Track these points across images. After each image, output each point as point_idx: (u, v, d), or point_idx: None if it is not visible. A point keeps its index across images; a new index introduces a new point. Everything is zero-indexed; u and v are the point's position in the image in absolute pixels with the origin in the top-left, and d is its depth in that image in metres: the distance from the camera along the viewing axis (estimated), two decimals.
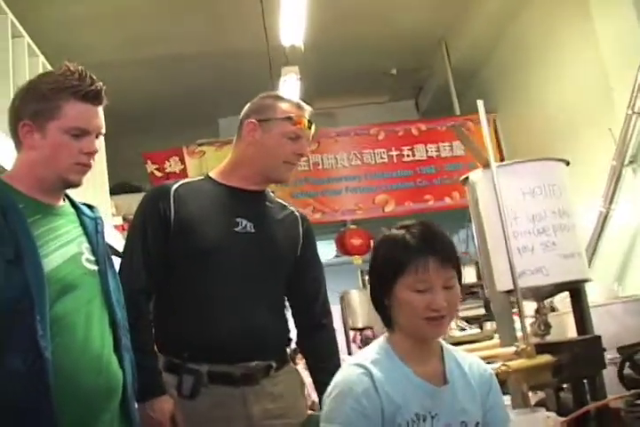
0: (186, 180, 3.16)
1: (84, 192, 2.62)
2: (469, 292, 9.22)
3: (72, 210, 2.59)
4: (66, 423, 2.22)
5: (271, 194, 3.27)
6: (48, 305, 2.24)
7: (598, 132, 6.67)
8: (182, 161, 9.30)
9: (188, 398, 2.87)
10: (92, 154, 2.49)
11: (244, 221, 3.05)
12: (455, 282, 2.33)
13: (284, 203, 3.32)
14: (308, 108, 3.17)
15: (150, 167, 9.09)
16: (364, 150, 9.53)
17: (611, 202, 6.58)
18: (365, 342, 10.46)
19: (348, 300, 10.04)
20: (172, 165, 9.25)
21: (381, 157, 9.50)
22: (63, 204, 2.57)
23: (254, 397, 2.96)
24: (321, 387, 3.01)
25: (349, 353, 10.02)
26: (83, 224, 2.56)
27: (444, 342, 2.51)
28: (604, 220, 6.71)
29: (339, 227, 10.37)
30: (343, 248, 10.30)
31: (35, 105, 2.43)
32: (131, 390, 2.54)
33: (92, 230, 2.57)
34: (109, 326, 2.51)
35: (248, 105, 3.24)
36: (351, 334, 10.79)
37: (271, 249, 3.10)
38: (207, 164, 9.23)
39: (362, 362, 2.34)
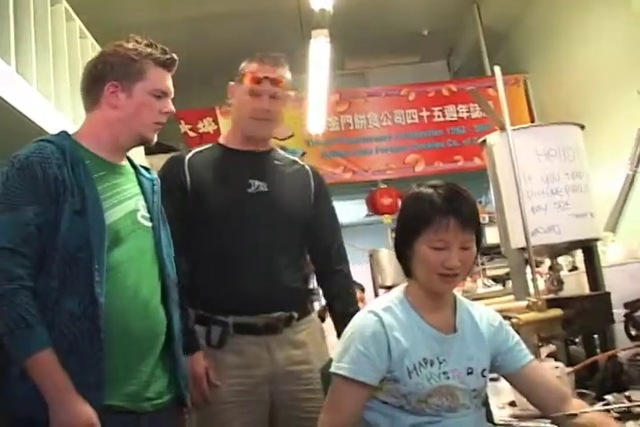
0: (198, 148, 3.31)
1: None
2: (496, 252, 9.30)
3: (132, 170, 2.75)
4: (113, 364, 2.37)
5: (280, 151, 3.41)
6: (105, 255, 2.41)
7: (627, 95, 6.71)
8: (215, 121, 9.35)
9: (215, 347, 3.05)
10: (168, 114, 2.70)
11: (257, 182, 3.19)
12: (472, 244, 2.45)
13: (294, 158, 3.44)
14: (270, 65, 3.26)
15: (184, 127, 9.16)
16: (395, 111, 9.61)
17: (637, 165, 6.61)
18: None
19: (377, 258, 10.03)
20: (206, 126, 9.33)
21: (412, 118, 9.58)
22: (125, 163, 2.74)
23: (277, 344, 3.13)
24: (341, 330, 3.23)
25: None
26: (140, 183, 2.72)
27: (457, 294, 2.67)
28: (630, 182, 6.75)
29: (369, 186, 10.43)
30: (374, 207, 10.39)
31: (122, 67, 2.62)
32: (178, 337, 2.69)
33: (148, 189, 2.74)
34: (159, 279, 2.66)
35: None
36: (380, 291, 10.87)
37: (285, 205, 3.23)
38: None
39: (375, 309, 2.50)
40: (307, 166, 3.43)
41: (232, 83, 3.29)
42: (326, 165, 9.35)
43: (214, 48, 9.46)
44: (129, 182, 2.68)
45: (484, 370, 2.55)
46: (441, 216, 2.41)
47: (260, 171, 3.25)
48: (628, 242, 6.10)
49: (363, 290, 6.97)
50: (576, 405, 2.53)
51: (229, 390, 3.01)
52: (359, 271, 10.20)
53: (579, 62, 8.06)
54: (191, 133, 9.21)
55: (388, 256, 9.81)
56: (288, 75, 3.30)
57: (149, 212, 2.69)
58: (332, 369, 2.47)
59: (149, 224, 2.67)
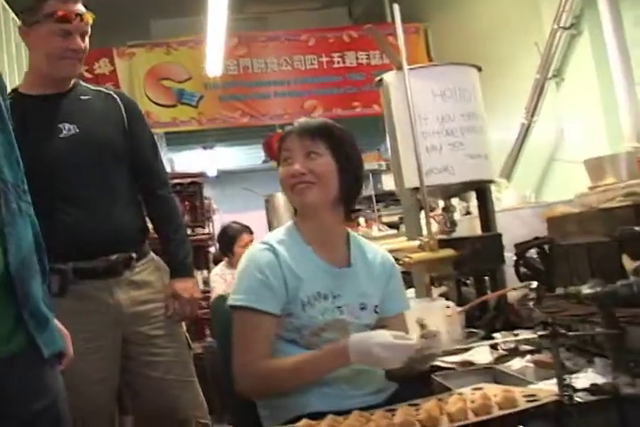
0: None
1: None
2: (392, 199, 9.42)
3: None
4: None
5: (82, 84, 3.31)
6: None
7: (526, 45, 6.76)
8: (112, 62, 9.21)
9: (57, 295, 2.92)
10: None
11: (67, 125, 3.11)
12: (319, 152, 2.47)
13: (98, 88, 3.36)
14: (73, 1, 3.11)
15: None
16: (295, 55, 9.55)
17: (533, 114, 6.69)
18: None
19: (273, 203, 10.10)
20: (102, 67, 9.16)
21: (311, 63, 9.54)
22: None
23: (119, 287, 3.13)
24: (170, 258, 3.32)
25: None
26: None
27: (350, 230, 2.66)
28: (525, 131, 6.83)
29: (267, 131, 10.40)
30: (270, 152, 10.37)
31: None
32: (18, 262, 1.94)
33: None
34: None
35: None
36: None
37: (101, 141, 3.17)
38: (136, 65, 9.24)
39: (267, 241, 2.48)
40: (114, 93, 3.34)
41: (21, 26, 3.12)
42: (224, 109, 9.32)
43: None
44: None
45: (377, 306, 2.56)
46: (285, 135, 2.52)
47: (68, 113, 3.16)
48: (522, 189, 6.20)
49: (251, 232, 6.99)
50: None
51: (77, 337, 2.93)
52: (255, 217, 10.20)
53: (479, 13, 8.08)
54: (87, 75, 9.01)
55: (283, 201, 9.84)
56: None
57: None
58: (230, 302, 2.43)
59: None
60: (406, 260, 3.21)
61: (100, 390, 3.08)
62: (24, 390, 1.97)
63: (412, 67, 3.67)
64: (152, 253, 3.33)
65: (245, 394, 2.45)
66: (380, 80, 3.95)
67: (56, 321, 2.21)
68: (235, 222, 7.12)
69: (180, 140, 12.46)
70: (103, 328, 3.08)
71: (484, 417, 1.91)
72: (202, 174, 10.17)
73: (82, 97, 3.24)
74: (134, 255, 3.19)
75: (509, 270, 3.62)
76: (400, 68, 3.62)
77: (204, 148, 14.38)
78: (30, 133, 2.92)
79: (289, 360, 2.36)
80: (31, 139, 2.89)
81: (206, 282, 8.96)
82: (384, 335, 2.25)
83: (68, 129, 3.11)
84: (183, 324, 3.36)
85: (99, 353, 3.05)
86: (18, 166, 2.14)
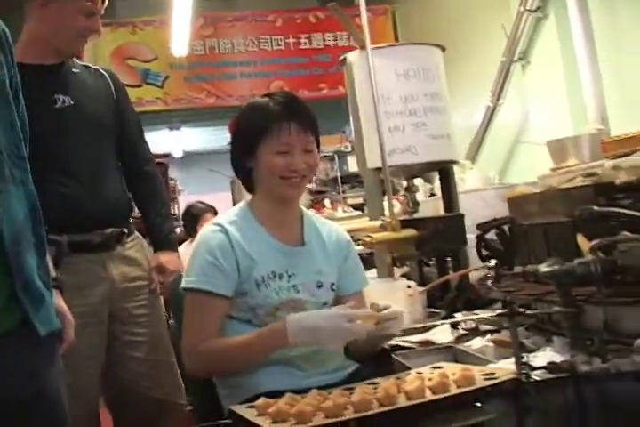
0: None
1: None
2: (358, 180, 9.43)
3: None
4: None
5: (73, 60, 3.27)
6: None
7: (493, 28, 6.76)
8: None
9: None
10: None
11: (62, 96, 3.08)
12: (314, 147, 2.47)
13: (88, 64, 3.33)
14: None
15: None
16: (261, 36, 9.56)
17: (498, 97, 6.72)
18: None
19: (239, 184, 10.08)
20: None
21: (278, 44, 9.54)
22: None
23: (112, 261, 3.12)
24: (155, 232, 3.32)
25: None
26: None
27: (304, 209, 2.65)
28: (490, 114, 6.86)
29: (234, 113, 10.36)
30: None
31: None
32: (10, 233, 1.81)
33: None
34: None
35: None
36: None
37: (94, 115, 3.16)
38: (102, 45, 9.18)
39: (219, 221, 2.46)
40: (101, 70, 3.33)
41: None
42: (189, 90, 9.32)
43: None
44: None
45: (333, 284, 2.56)
46: (281, 121, 2.40)
47: (63, 84, 3.12)
48: (487, 171, 6.23)
49: (215, 213, 6.98)
50: None
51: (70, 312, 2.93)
52: (221, 198, 10.15)
53: None
54: None
55: None
56: None
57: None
58: (183, 284, 2.41)
59: None
60: (368, 239, 3.20)
61: (91, 365, 3.06)
62: (18, 371, 1.84)
63: (375, 46, 3.66)
64: (137, 232, 3.33)
65: (196, 373, 2.44)
66: (344, 59, 3.93)
67: (62, 304, 2.21)
68: (199, 202, 7.09)
69: (146, 120, 12.33)
70: (95, 303, 3.05)
71: (441, 395, 1.92)
72: (167, 155, 10.15)
73: (73, 70, 3.20)
74: (126, 230, 3.18)
75: (472, 252, 3.63)
76: (363, 47, 3.61)
77: (170, 128, 14.32)
78: (28, 103, 2.90)
79: (238, 338, 2.35)
80: (29, 108, 2.88)
81: None
82: (326, 311, 2.29)
83: (62, 101, 3.07)
84: (163, 306, 3.37)
85: (90, 328, 3.00)
86: (11, 130, 1.98)
